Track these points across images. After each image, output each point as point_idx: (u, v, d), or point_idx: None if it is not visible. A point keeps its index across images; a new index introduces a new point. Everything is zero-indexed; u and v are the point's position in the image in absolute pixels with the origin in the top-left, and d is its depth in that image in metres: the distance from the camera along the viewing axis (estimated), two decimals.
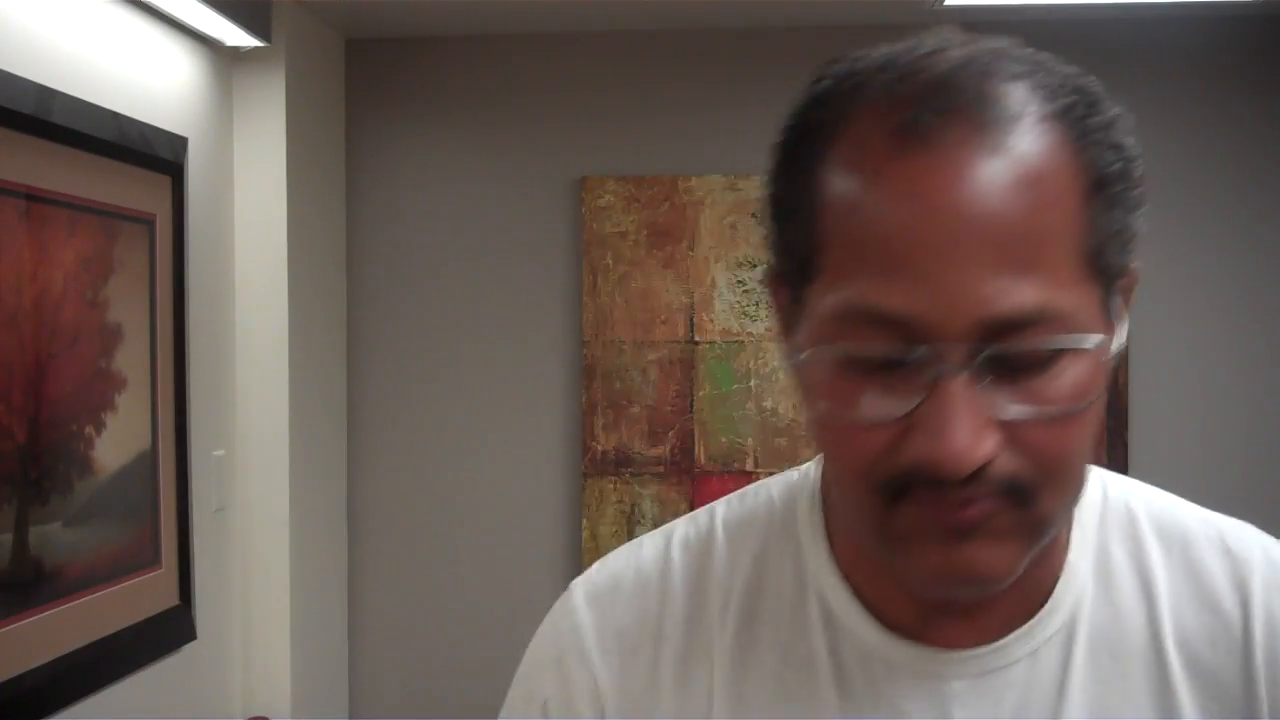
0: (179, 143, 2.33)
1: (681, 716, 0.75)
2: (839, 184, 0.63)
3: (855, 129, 0.63)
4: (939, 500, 0.62)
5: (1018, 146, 0.60)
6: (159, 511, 2.25)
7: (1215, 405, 2.92)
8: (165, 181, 2.28)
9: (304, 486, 2.74)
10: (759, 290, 2.87)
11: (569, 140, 2.99)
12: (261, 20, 2.55)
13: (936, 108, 0.60)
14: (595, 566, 0.83)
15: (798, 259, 0.66)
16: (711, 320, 2.92)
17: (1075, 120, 0.62)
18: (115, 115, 2.10)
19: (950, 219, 0.60)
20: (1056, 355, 0.61)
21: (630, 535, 2.57)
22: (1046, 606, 0.72)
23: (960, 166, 0.59)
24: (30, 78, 1.86)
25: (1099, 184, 0.63)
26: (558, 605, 0.83)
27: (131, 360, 2.15)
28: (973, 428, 0.60)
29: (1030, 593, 0.72)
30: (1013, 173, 0.60)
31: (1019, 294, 0.60)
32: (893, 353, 0.61)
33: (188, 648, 2.37)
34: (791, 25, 2.89)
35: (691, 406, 2.93)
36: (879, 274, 0.61)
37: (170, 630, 2.30)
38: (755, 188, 2.75)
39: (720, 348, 2.92)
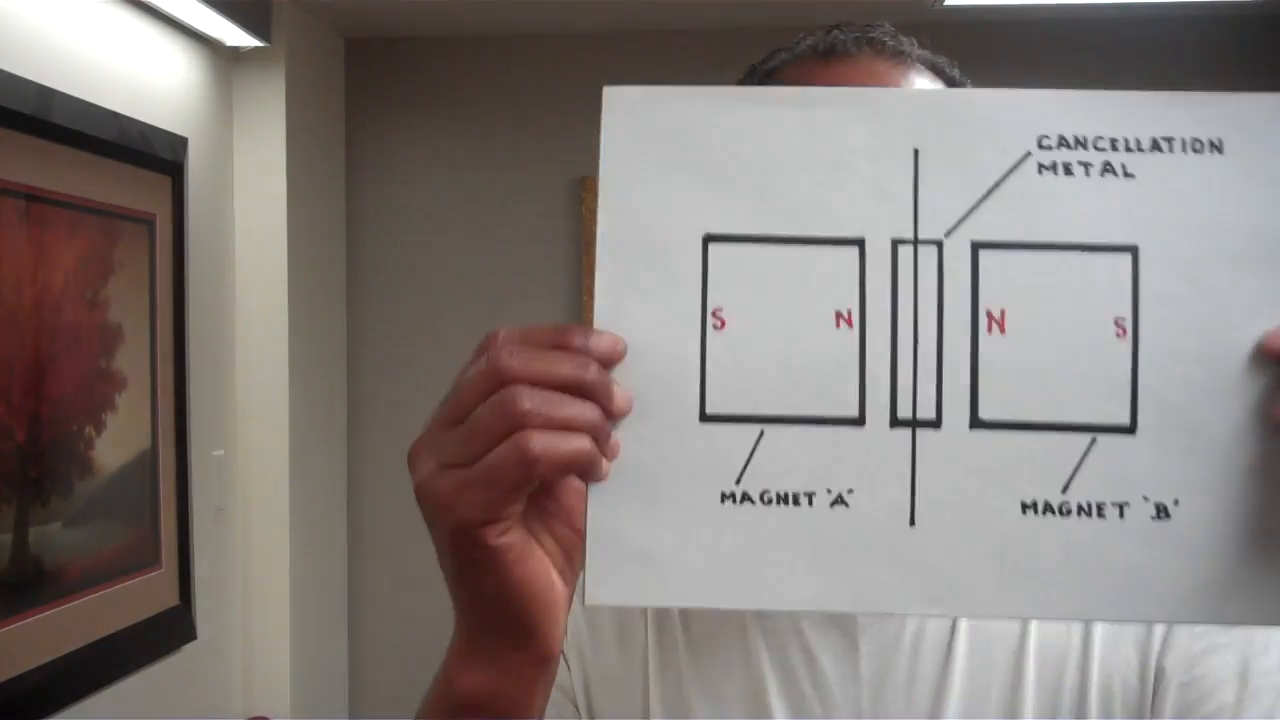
0: (179, 143, 2.33)
1: (624, 666, 0.85)
2: None
3: (790, 67, 0.86)
4: None
5: (912, 71, 0.83)
6: (159, 511, 2.25)
7: None
8: (165, 181, 2.28)
9: (304, 486, 2.74)
10: None
11: (569, 140, 2.99)
12: (261, 20, 2.55)
13: (855, 39, 0.83)
14: None
15: None
16: None
17: (951, 79, 0.85)
18: (115, 115, 2.10)
19: None
20: None
21: None
22: None
23: (873, 73, 0.82)
24: (30, 78, 1.86)
25: None
26: None
27: (131, 360, 2.15)
28: None
29: None
30: (912, 83, 0.82)
31: None
32: None
33: (188, 648, 2.37)
34: (791, 26, 2.86)
35: None
36: None
37: (170, 630, 2.30)
38: None
39: None
